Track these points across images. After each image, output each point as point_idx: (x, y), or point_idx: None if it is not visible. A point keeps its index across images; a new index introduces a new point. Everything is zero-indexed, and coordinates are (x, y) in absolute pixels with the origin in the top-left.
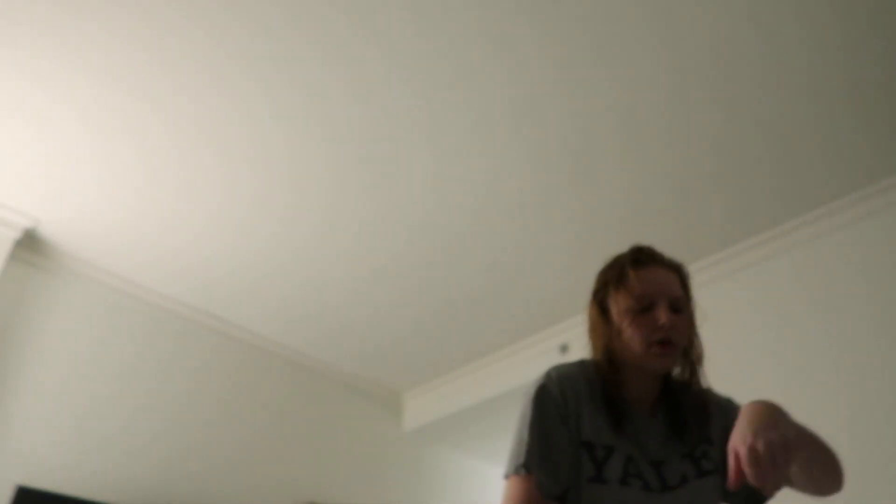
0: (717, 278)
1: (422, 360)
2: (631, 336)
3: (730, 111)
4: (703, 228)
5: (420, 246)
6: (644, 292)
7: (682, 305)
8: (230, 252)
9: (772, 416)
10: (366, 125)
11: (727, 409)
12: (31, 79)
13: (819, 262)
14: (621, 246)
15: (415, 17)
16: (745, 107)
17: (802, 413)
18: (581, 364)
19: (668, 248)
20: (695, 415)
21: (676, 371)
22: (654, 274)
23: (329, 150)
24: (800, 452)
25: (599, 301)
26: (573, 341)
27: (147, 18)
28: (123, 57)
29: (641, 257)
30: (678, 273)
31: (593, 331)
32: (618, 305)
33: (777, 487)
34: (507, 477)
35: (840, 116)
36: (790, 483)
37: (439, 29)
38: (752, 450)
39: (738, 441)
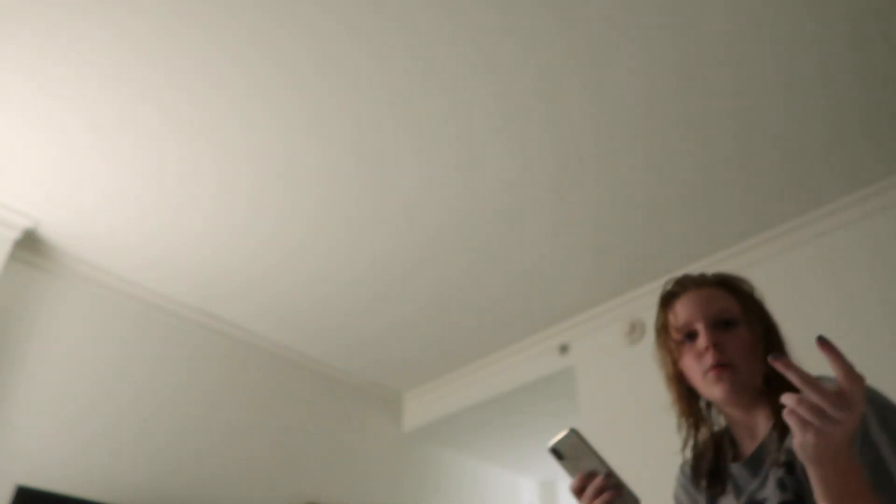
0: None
1: (422, 361)
2: (689, 372)
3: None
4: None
5: (419, 246)
6: (684, 321)
7: (732, 318)
8: (228, 251)
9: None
10: (367, 125)
11: None
12: (36, 80)
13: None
14: (631, 242)
15: (430, 6)
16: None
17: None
18: None
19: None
20: None
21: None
22: (691, 298)
23: (329, 148)
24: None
25: (662, 351)
26: (573, 341)
27: (149, 23)
28: (127, 60)
29: (674, 288)
30: (725, 286)
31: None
32: (669, 348)
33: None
34: None
35: None
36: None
37: (453, 18)
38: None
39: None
